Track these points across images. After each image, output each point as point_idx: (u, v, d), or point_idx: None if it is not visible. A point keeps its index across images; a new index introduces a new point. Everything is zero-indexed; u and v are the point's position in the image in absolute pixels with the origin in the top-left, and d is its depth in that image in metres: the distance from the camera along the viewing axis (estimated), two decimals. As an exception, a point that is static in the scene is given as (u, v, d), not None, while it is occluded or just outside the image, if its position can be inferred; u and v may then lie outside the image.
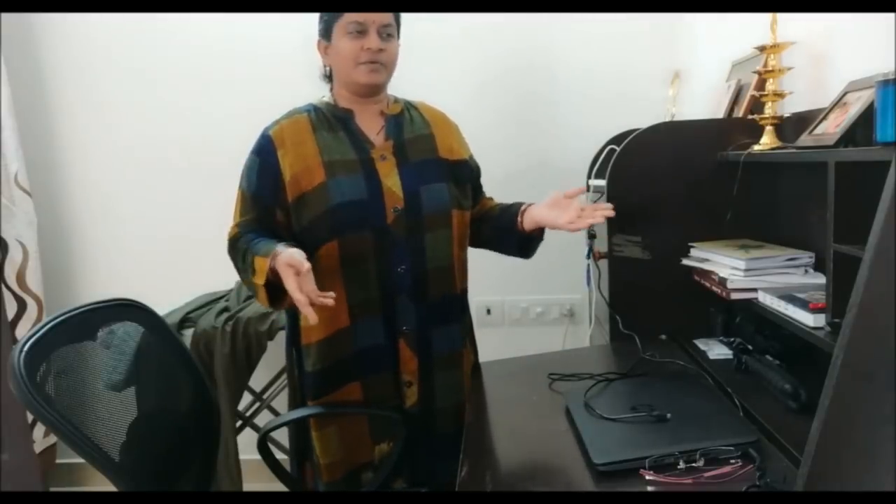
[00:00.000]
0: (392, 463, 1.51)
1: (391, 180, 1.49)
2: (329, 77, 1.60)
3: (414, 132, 1.57)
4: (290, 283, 1.28)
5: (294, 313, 1.56)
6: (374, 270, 1.48)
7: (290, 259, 1.30)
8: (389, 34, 1.49)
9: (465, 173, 1.61)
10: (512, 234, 1.60)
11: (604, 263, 1.77)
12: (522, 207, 1.60)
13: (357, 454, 1.56)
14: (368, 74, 1.48)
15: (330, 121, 1.53)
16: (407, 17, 1.60)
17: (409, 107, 1.62)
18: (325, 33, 1.53)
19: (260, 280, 1.37)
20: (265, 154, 1.49)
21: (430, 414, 1.55)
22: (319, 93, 1.61)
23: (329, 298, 1.31)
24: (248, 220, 1.49)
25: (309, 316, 1.28)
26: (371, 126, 1.54)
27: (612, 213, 1.50)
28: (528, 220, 1.56)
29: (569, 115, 2.47)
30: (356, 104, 1.55)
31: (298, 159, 1.47)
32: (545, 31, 2.45)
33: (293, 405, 1.61)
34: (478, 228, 1.65)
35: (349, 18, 1.46)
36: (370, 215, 1.47)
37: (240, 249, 1.46)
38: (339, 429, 1.54)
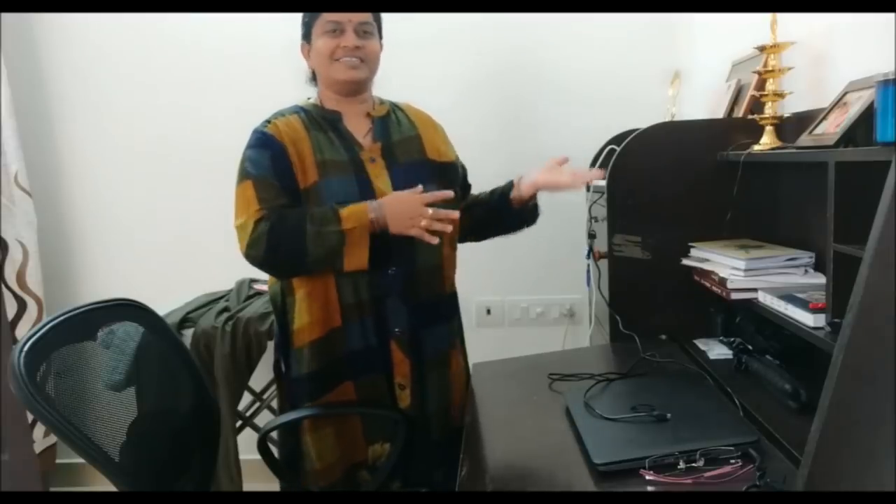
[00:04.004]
0: (390, 465, 1.51)
1: (382, 182, 1.49)
2: (314, 79, 1.60)
3: (402, 134, 1.57)
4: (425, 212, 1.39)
5: (284, 319, 1.54)
6: (366, 272, 1.46)
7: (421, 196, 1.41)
8: (367, 31, 1.50)
9: (453, 175, 1.62)
10: (510, 209, 1.61)
11: (604, 263, 1.77)
12: (515, 180, 1.61)
13: (352, 454, 1.56)
14: (347, 70, 1.49)
15: (320, 122, 1.53)
16: (411, 16, 1.60)
17: (394, 108, 1.62)
18: (306, 35, 1.55)
19: (359, 222, 1.39)
20: (271, 145, 1.46)
21: (424, 417, 1.55)
22: (309, 94, 1.61)
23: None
24: (280, 205, 1.43)
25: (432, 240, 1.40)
26: (359, 128, 1.54)
27: (602, 174, 1.59)
28: (528, 187, 1.57)
29: (569, 115, 2.47)
30: (342, 105, 1.55)
31: (296, 156, 1.46)
32: (545, 30, 2.45)
33: (282, 413, 1.60)
34: (468, 217, 1.63)
35: (326, 18, 1.48)
36: None
37: (292, 219, 1.39)
38: (335, 430, 1.53)
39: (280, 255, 1.42)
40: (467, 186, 1.71)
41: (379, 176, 1.49)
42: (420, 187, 1.43)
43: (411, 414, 1.53)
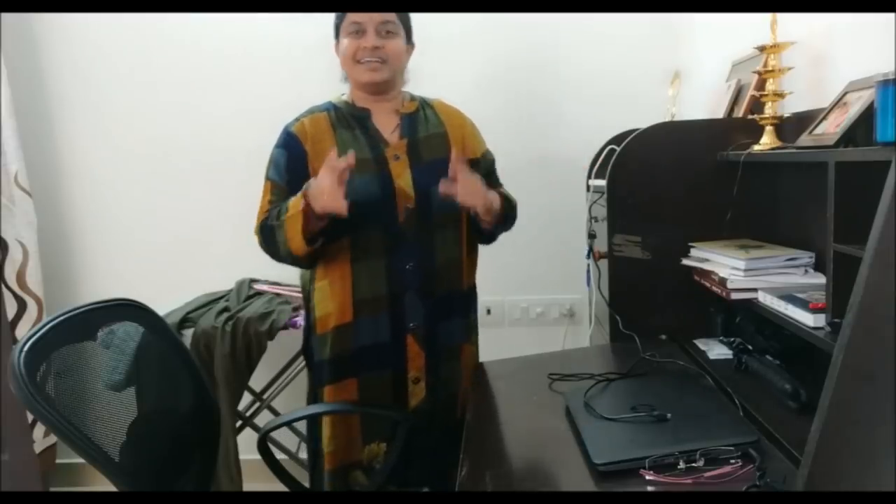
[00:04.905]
0: (389, 466, 1.52)
1: (403, 180, 1.52)
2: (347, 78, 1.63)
3: (428, 131, 1.59)
4: (326, 179, 1.35)
5: (309, 305, 1.60)
6: (384, 268, 1.51)
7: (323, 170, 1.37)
8: (389, 31, 1.52)
9: (477, 172, 1.61)
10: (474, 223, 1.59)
11: (604, 263, 1.77)
12: None
13: (348, 452, 1.59)
14: (367, 73, 1.52)
15: (348, 119, 1.56)
16: (412, 16, 1.61)
17: (424, 105, 1.64)
18: (336, 35, 1.58)
19: (294, 210, 1.41)
20: (292, 147, 1.53)
21: (432, 407, 1.58)
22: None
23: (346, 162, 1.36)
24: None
25: (342, 210, 1.35)
26: (386, 125, 1.57)
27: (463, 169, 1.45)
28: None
29: (568, 115, 2.47)
30: (371, 103, 1.58)
31: (318, 157, 1.50)
32: (546, 30, 2.45)
33: (309, 395, 1.64)
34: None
35: (350, 19, 1.51)
36: (382, 214, 1.51)
37: (272, 217, 1.49)
38: (335, 424, 1.57)
39: (271, 249, 1.52)
40: (493, 181, 1.69)
41: (401, 174, 1.52)
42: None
43: (424, 408, 1.56)
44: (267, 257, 1.69)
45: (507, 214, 1.63)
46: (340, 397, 1.57)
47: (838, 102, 1.26)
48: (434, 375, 1.58)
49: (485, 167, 1.67)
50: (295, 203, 1.43)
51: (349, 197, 1.44)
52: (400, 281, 1.52)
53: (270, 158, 1.56)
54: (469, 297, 1.66)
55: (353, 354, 1.54)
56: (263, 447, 1.53)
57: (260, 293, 2.36)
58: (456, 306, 1.60)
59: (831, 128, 1.24)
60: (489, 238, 1.66)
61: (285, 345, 2.29)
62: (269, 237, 1.49)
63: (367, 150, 1.52)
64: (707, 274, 1.55)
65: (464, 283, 1.62)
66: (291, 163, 1.52)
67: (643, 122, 1.74)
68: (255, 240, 1.55)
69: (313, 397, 1.62)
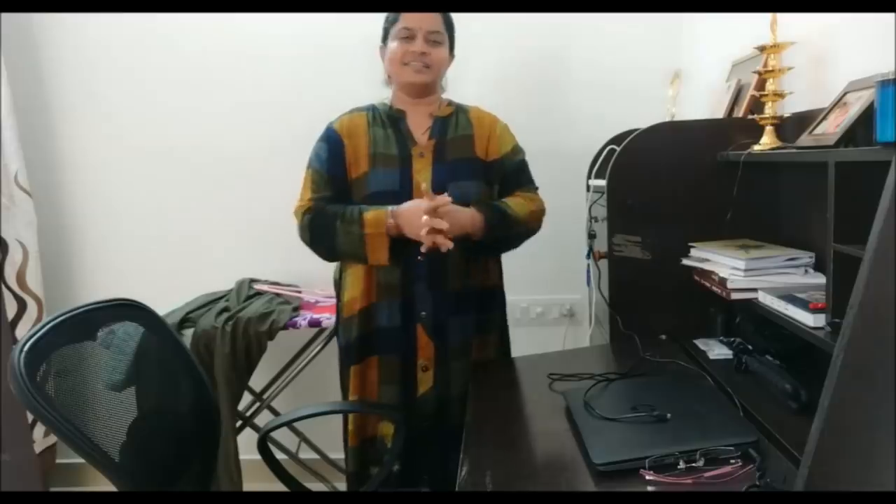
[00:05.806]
0: (395, 455, 1.55)
1: (422, 176, 1.60)
2: (389, 80, 1.71)
3: (457, 133, 1.67)
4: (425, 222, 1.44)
5: (339, 292, 1.72)
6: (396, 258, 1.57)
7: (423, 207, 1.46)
8: (436, 41, 1.62)
9: (496, 173, 1.68)
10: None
11: (604, 263, 1.78)
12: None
13: (367, 429, 1.72)
14: (413, 74, 1.62)
15: (384, 120, 1.66)
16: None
17: (459, 110, 1.72)
18: (384, 38, 1.67)
19: (376, 229, 1.51)
20: (332, 141, 1.65)
21: (445, 401, 1.64)
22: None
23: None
24: (325, 196, 1.62)
25: (443, 244, 1.45)
26: (419, 126, 1.66)
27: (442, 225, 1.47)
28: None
29: (568, 114, 2.47)
30: (409, 105, 1.68)
31: (351, 150, 1.63)
32: (546, 30, 2.45)
33: (342, 374, 1.74)
34: None
35: (401, 24, 1.62)
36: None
37: (328, 215, 1.57)
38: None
39: (318, 245, 1.62)
40: (514, 183, 1.70)
41: (421, 171, 1.61)
42: (436, 195, 1.47)
43: (431, 398, 1.64)
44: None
45: (498, 233, 1.61)
46: (365, 374, 1.67)
47: (838, 102, 1.27)
48: (443, 368, 1.64)
49: (509, 167, 1.70)
50: (376, 222, 1.52)
51: (370, 188, 1.58)
52: (410, 271, 1.61)
53: (313, 150, 1.67)
54: (485, 296, 1.70)
55: (373, 335, 1.64)
56: (263, 447, 1.54)
57: (260, 293, 2.36)
58: (468, 301, 1.65)
59: (831, 128, 1.24)
60: (478, 251, 1.65)
61: (285, 345, 2.29)
62: (322, 233, 1.58)
63: (395, 147, 1.63)
64: (707, 274, 1.55)
65: (474, 281, 1.67)
66: (332, 153, 1.63)
67: (643, 122, 1.74)
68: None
69: (343, 378, 1.73)
